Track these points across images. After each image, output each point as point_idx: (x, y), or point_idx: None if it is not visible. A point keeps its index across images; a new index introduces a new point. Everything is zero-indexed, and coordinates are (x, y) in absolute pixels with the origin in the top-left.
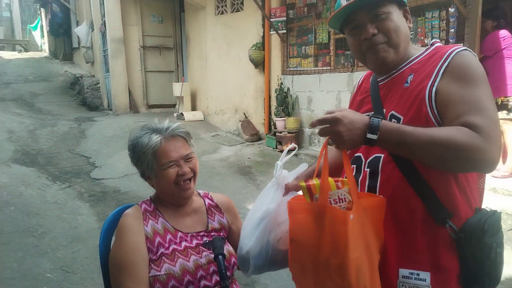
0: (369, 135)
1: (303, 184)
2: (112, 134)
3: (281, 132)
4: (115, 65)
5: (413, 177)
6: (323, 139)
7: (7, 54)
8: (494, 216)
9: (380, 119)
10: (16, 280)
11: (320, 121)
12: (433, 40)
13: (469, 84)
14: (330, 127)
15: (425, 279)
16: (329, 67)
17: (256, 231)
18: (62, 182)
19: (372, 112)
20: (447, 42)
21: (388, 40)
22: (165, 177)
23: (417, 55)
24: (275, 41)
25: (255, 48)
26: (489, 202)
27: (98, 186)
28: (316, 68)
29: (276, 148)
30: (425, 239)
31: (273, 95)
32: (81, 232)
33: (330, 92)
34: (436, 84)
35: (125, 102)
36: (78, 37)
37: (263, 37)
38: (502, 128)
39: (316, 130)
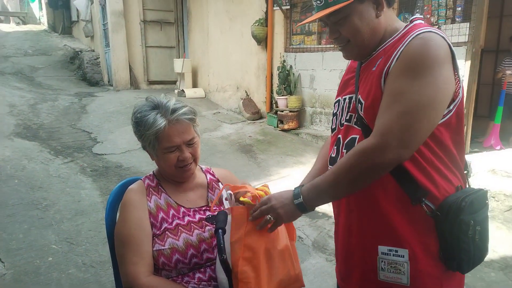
0: (295, 201)
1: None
2: (113, 109)
3: (282, 111)
4: (116, 39)
5: None
6: (324, 119)
7: (5, 27)
8: (477, 194)
9: (300, 186)
10: (22, 250)
11: (262, 212)
12: (414, 16)
13: (405, 73)
14: (266, 209)
15: (403, 255)
16: (332, 45)
17: None
18: (65, 157)
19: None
20: (453, 21)
21: (350, 41)
22: (165, 160)
23: (393, 36)
24: (279, 17)
25: (258, 24)
26: (488, 183)
27: (100, 161)
28: (320, 46)
29: (278, 127)
30: (402, 217)
31: (275, 73)
32: (84, 206)
33: (333, 70)
34: (390, 69)
35: (125, 77)
36: (77, 10)
37: (266, 12)
38: None
39: (318, 109)
